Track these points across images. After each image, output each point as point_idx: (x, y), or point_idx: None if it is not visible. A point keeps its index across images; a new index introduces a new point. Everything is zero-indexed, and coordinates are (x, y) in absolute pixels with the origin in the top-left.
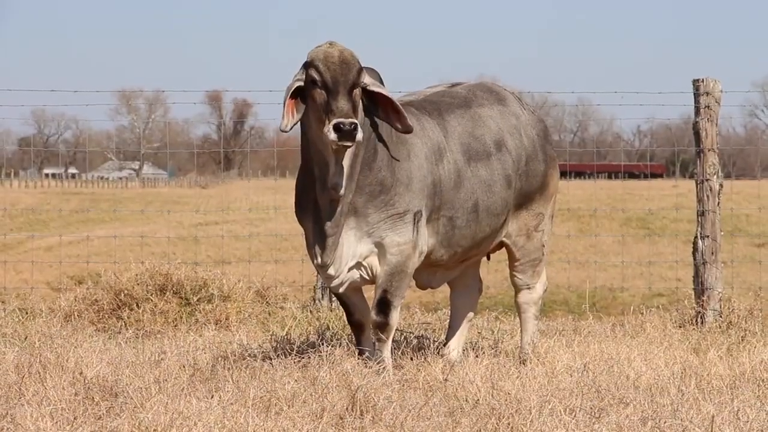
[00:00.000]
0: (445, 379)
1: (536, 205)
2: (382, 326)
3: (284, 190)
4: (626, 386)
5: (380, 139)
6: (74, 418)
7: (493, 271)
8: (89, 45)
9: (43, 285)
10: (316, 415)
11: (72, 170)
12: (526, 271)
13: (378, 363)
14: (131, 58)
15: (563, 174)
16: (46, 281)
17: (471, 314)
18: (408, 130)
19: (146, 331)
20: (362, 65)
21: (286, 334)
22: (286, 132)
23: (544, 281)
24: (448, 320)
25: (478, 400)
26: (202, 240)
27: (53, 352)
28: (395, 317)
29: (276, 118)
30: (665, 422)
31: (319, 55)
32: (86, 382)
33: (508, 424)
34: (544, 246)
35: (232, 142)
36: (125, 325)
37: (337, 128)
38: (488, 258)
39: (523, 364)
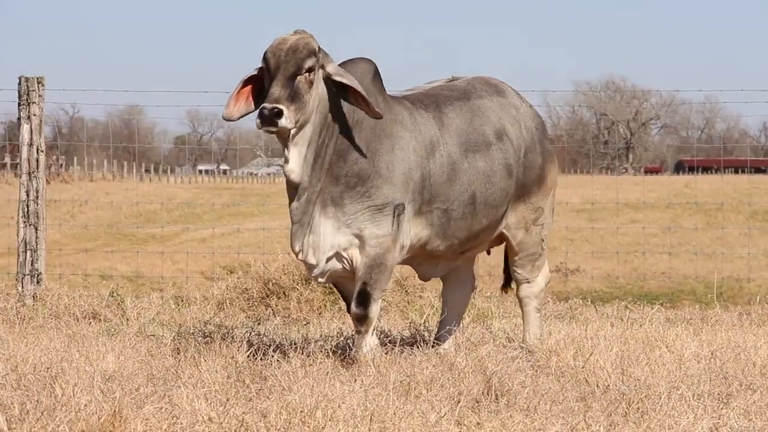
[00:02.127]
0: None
1: (535, 198)
2: (362, 318)
3: None
4: (753, 373)
5: (359, 131)
6: (227, 400)
7: (622, 262)
8: (240, 47)
9: (198, 274)
10: (454, 399)
11: (224, 167)
12: (525, 266)
13: (356, 355)
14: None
15: (692, 169)
16: (200, 271)
17: (465, 306)
18: (376, 116)
19: (293, 318)
20: (316, 53)
21: (425, 322)
22: (231, 121)
23: (546, 275)
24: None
25: (609, 385)
26: None
27: (205, 337)
28: (375, 310)
29: None
30: None
31: (272, 43)
32: (237, 365)
33: (638, 408)
34: (543, 240)
35: None
36: (273, 312)
37: (260, 113)
38: (488, 252)
39: (531, 354)
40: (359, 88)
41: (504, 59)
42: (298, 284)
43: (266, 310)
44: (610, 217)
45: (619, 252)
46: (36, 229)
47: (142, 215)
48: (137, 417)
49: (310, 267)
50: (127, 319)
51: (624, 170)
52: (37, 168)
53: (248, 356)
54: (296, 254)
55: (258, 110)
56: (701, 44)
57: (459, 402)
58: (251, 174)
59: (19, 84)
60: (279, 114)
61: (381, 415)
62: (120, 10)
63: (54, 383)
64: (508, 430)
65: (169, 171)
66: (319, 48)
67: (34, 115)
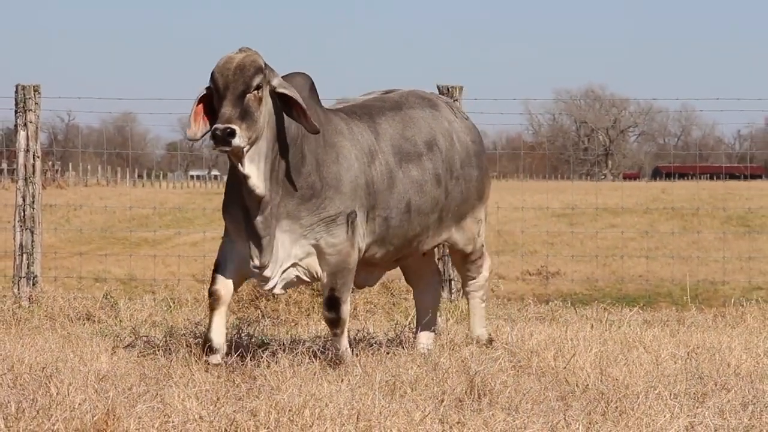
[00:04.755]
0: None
1: (477, 212)
2: (335, 322)
3: None
4: (727, 373)
5: (308, 143)
6: (217, 399)
7: (601, 265)
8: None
9: (189, 277)
10: (437, 398)
11: (215, 172)
12: (471, 269)
13: (337, 356)
14: None
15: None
16: (191, 274)
17: (437, 304)
18: (313, 130)
19: (281, 319)
20: (263, 69)
21: (409, 323)
22: (195, 140)
23: (489, 265)
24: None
25: (588, 385)
26: None
27: (196, 338)
28: (346, 311)
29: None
30: (766, 406)
31: (218, 63)
32: (228, 365)
33: (616, 407)
34: (482, 246)
35: None
36: (262, 314)
37: (213, 134)
38: (423, 254)
39: (479, 344)
40: (300, 101)
41: (485, 67)
42: None
43: (256, 311)
44: (590, 221)
45: (598, 255)
46: (32, 233)
47: (135, 219)
48: (130, 416)
49: (263, 279)
50: (120, 321)
51: (603, 176)
52: (33, 174)
53: (238, 357)
54: (260, 268)
55: (211, 131)
56: (678, 54)
57: (443, 401)
58: None
59: (16, 92)
60: (232, 134)
61: (367, 414)
62: (114, 20)
63: (49, 382)
64: (490, 428)
65: (161, 176)
66: (266, 64)
67: (31, 122)
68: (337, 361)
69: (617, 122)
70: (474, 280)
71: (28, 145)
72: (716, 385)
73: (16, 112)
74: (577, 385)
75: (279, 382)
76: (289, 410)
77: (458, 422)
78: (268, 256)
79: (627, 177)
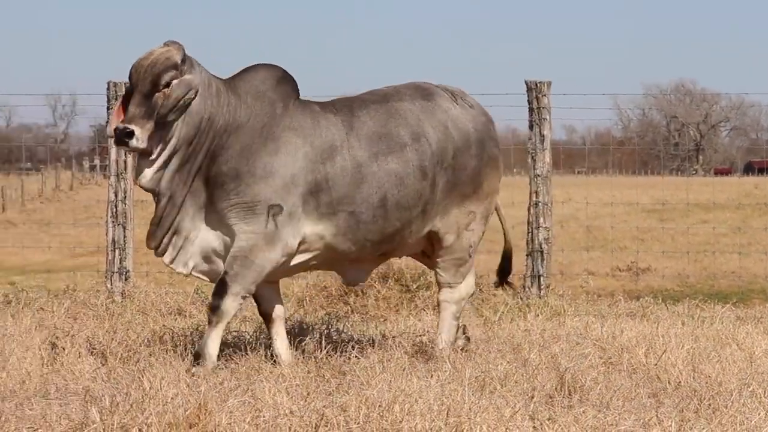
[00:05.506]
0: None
1: (468, 202)
2: (214, 310)
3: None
4: None
5: (238, 133)
6: (307, 394)
7: (693, 262)
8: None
9: None
10: (527, 395)
11: None
12: (449, 270)
13: (201, 347)
14: (345, 61)
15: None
16: None
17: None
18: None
19: (371, 315)
20: (178, 66)
21: (498, 319)
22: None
23: (471, 284)
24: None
25: (680, 382)
26: None
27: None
28: (230, 303)
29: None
30: None
31: (137, 59)
32: (317, 361)
33: (709, 405)
34: (471, 247)
35: None
36: (351, 309)
37: (114, 133)
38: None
39: (438, 360)
40: (189, 96)
41: (576, 64)
42: (375, 282)
43: (345, 307)
44: (681, 217)
45: (690, 252)
46: (124, 228)
47: None
48: (222, 410)
49: (166, 264)
50: None
51: (694, 172)
52: (125, 170)
53: (327, 352)
54: (154, 249)
55: (113, 129)
56: None
57: (533, 397)
58: None
59: (108, 88)
60: (130, 134)
61: (457, 410)
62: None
63: (142, 377)
64: (580, 425)
65: None
66: (184, 59)
67: None
68: (195, 357)
69: (708, 117)
70: (450, 290)
71: None
72: None
73: (108, 108)
74: (669, 382)
75: (368, 377)
76: (379, 406)
77: (549, 419)
78: (159, 240)
79: (718, 172)
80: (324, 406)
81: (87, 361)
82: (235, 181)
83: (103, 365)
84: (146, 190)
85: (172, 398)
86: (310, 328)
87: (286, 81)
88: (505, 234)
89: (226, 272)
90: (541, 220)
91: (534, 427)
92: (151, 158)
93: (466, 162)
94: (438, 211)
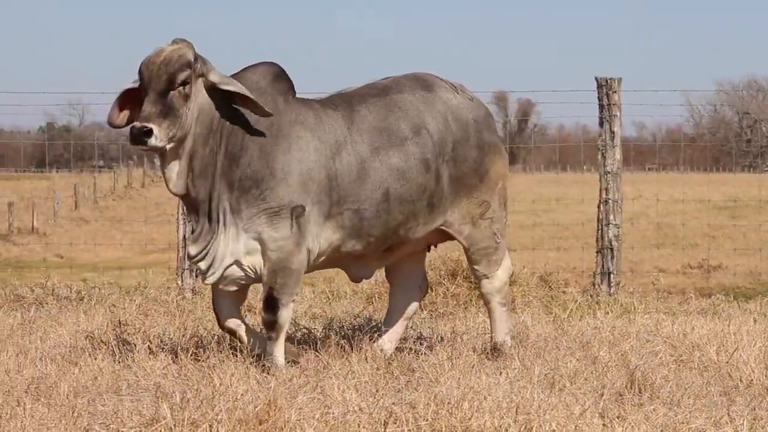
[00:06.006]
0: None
1: (478, 192)
2: (271, 324)
3: (566, 183)
4: None
5: (252, 133)
6: (376, 391)
7: (765, 259)
8: (390, 47)
9: None
10: (597, 392)
11: None
12: (481, 261)
13: (268, 362)
14: (426, 60)
15: None
16: None
17: (412, 310)
18: (266, 114)
19: (439, 312)
20: (192, 64)
21: (568, 317)
22: (114, 127)
23: (508, 267)
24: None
25: (752, 380)
26: None
27: (355, 330)
28: (285, 315)
29: (556, 116)
30: None
31: (148, 55)
32: (386, 358)
33: None
34: (495, 234)
35: (517, 139)
36: (420, 306)
37: (130, 131)
38: (428, 250)
39: (497, 355)
40: (244, 91)
41: (647, 60)
42: (444, 279)
43: None
44: (753, 214)
45: (762, 249)
46: None
47: None
48: (291, 406)
49: (203, 273)
50: None
51: (766, 168)
52: None
53: (396, 349)
54: (192, 259)
55: (129, 128)
56: None
57: (602, 395)
58: None
59: None
60: (148, 133)
61: (526, 407)
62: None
63: (212, 373)
64: (651, 423)
65: None
66: (196, 57)
67: None
68: (270, 367)
69: None
70: (489, 280)
71: None
72: None
73: None
74: (740, 380)
75: (437, 374)
76: (448, 403)
77: (618, 416)
78: (201, 247)
79: None
80: (393, 403)
81: (158, 357)
82: (259, 186)
83: (173, 362)
84: (176, 195)
85: (242, 395)
86: (379, 325)
87: (283, 77)
88: None
89: (270, 287)
90: (611, 217)
91: (604, 424)
92: (172, 162)
93: (467, 153)
94: (448, 204)
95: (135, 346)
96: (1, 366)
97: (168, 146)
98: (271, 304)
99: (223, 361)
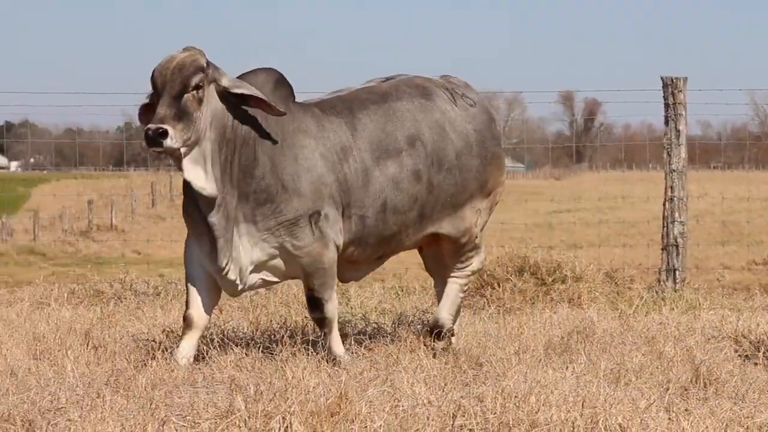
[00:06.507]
0: None
1: (476, 201)
2: (321, 321)
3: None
4: None
5: (262, 145)
6: (444, 384)
7: None
8: (457, 48)
9: (417, 266)
10: (663, 387)
11: None
12: (460, 258)
13: (330, 356)
14: (494, 62)
15: None
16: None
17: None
18: (280, 114)
19: (506, 308)
20: (204, 69)
21: (633, 312)
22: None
23: (482, 259)
24: None
25: None
26: (556, 226)
27: (424, 325)
28: (331, 309)
29: (622, 115)
30: None
31: (160, 62)
32: (455, 352)
33: None
34: (477, 238)
35: (583, 138)
36: (487, 302)
37: (145, 133)
38: (420, 249)
39: (437, 336)
40: (258, 94)
41: (712, 60)
42: (511, 275)
43: (481, 300)
44: None
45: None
46: None
47: None
48: (362, 399)
49: (230, 283)
50: (351, 308)
51: None
52: None
53: (465, 343)
54: (220, 271)
55: (144, 130)
56: None
57: (668, 389)
58: None
59: None
60: (164, 134)
61: (592, 401)
62: None
63: (285, 366)
64: (716, 417)
65: None
66: (208, 63)
67: None
68: (333, 360)
69: None
70: (460, 269)
71: None
72: None
73: None
74: None
75: (505, 368)
76: (515, 396)
77: (684, 410)
78: (227, 257)
79: None
80: (461, 397)
81: (232, 351)
82: (274, 200)
83: (247, 355)
84: (212, 197)
85: (313, 387)
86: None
87: (283, 84)
88: None
89: (310, 288)
90: (677, 214)
91: (669, 418)
92: (196, 167)
93: (470, 162)
94: (442, 214)
95: (210, 340)
96: (82, 359)
97: (183, 149)
98: (316, 303)
99: (296, 354)
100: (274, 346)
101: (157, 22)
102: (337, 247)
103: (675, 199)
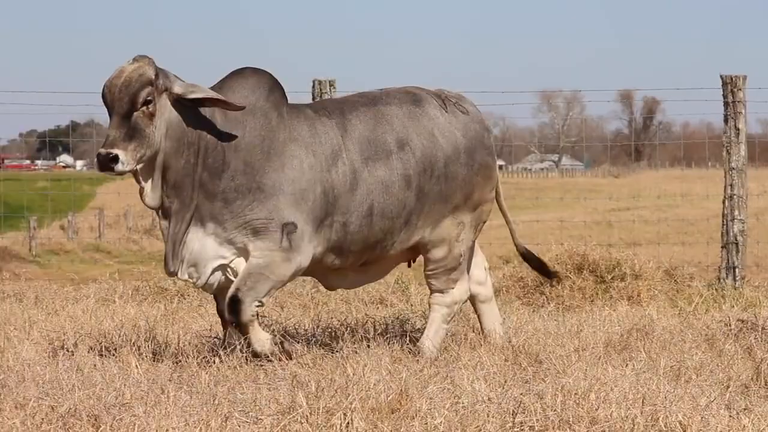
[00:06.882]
0: None
1: (459, 213)
2: (240, 327)
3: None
4: None
5: (236, 149)
6: (504, 381)
7: None
8: (518, 48)
9: None
10: (723, 384)
11: (499, 162)
12: (440, 277)
13: (253, 352)
14: (553, 61)
15: None
16: None
17: (489, 291)
18: (238, 110)
19: (566, 305)
20: (153, 81)
21: (693, 310)
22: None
23: (465, 290)
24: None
25: None
26: (614, 224)
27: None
28: (248, 313)
29: (681, 114)
30: None
31: (109, 77)
32: (514, 349)
33: None
34: (461, 256)
35: (642, 136)
36: (547, 299)
37: (96, 158)
38: (409, 264)
39: (420, 358)
40: (212, 95)
41: (753, 59)
42: (570, 273)
43: (540, 297)
44: None
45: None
46: None
47: None
48: (422, 396)
49: (186, 282)
50: (411, 305)
51: None
52: None
53: (524, 340)
54: (170, 275)
55: (96, 154)
56: None
57: (728, 387)
58: (525, 169)
59: (313, 86)
60: (114, 159)
61: (652, 398)
62: None
63: (346, 363)
64: None
65: None
66: (158, 74)
67: None
68: (253, 356)
69: None
70: (442, 295)
71: None
72: None
73: None
74: None
75: (564, 366)
76: (575, 393)
77: (745, 408)
78: (176, 262)
79: None
80: (521, 394)
81: (293, 347)
82: (245, 197)
83: (308, 352)
84: (151, 208)
85: (374, 384)
86: (506, 318)
87: (276, 88)
88: (512, 234)
89: (237, 288)
90: (736, 212)
91: (730, 416)
92: (145, 176)
93: (456, 171)
94: (426, 222)
95: (275, 336)
96: (146, 355)
97: (138, 167)
98: (234, 305)
99: (356, 351)
100: (335, 343)
101: (232, 19)
102: (299, 269)
103: (735, 197)
